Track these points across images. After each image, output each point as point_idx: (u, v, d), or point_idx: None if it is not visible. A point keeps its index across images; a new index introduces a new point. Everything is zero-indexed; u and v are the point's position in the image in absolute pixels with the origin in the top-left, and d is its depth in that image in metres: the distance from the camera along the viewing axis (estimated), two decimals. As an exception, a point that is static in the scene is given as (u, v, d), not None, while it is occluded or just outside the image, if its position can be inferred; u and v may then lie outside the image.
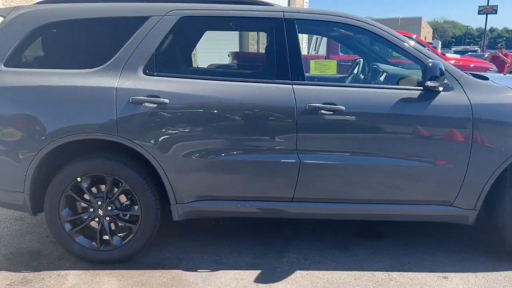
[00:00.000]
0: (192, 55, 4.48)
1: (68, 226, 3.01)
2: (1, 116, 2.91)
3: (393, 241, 3.44)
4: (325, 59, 9.36)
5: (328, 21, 3.11)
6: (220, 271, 3.00)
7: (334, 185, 2.99)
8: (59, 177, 2.94)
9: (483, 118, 2.85)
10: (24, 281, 2.88)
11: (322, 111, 2.86)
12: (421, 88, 2.91)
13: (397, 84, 3.10)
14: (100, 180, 3.00)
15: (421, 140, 2.91)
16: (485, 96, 2.92)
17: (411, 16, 40.86)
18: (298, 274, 2.96)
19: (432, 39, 46.52)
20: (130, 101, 2.85)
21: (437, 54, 10.31)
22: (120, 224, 3.05)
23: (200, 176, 2.96)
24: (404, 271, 3.00)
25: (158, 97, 2.86)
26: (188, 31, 3.52)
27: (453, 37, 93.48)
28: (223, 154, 2.92)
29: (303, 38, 21.17)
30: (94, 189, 3.02)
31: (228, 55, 8.72)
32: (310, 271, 3.00)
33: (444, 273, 2.97)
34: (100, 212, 2.98)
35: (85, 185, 2.96)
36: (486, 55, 15.69)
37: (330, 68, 3.57)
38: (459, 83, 2.94)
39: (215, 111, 2.90)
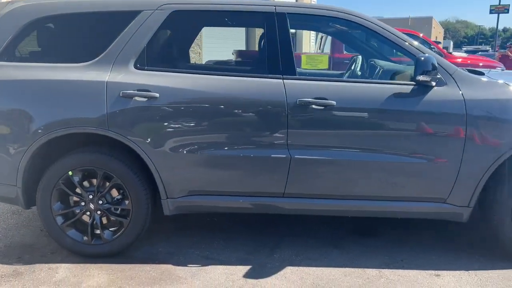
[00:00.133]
0: (194, 52, 4.48)
1: (60, 220, 3.02)
2: None
3: (388, 239, 3.40)
4: (330, 57, 9.30)
5: (321, 16, 3.08)
6: (210, 266, 2.99)
7: (325, 181, 2.96)
8: (50, 170, 2.96)
9: (477, 114, 2.80)
10: (15, 273, 2.90)
11: (313, 106, 2.83)
12: (413, 83, 2.86)
13: (392, 80, 3.07)
14: (91, 174, 3.01)
15: (413, 135, 2.86)
16: (480, 92, 2.87)
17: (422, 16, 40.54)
18: (288, 270, 2.94)
19: (444, 39, 46.09)
20: (121, 95, 2.85)
21: (444, 53, 10.23)
22: (111, 218, 3.05)
23: (191, 171, 2.95)
24: (396, 269, 2.96)
25: (148, 91, 2.86)
26: (180, 25, 3.52)
27: (465, 37, 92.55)
28: (213, 149, 2.91)
29: (310, 37, 21.18)
30: (85, 183, 3.03)
31: (233, 53, 8.73)
32: (301, 267, 2.97)
33: (436, 271, 2.93)
34: (92, 206, 2.99)
35: (76, 179, 2.97)
36: (496, 55, 15.51)
37: (321, 63, 3.54)
38: (453, 78, 2.89)
39: (206, 105, 2.89)
